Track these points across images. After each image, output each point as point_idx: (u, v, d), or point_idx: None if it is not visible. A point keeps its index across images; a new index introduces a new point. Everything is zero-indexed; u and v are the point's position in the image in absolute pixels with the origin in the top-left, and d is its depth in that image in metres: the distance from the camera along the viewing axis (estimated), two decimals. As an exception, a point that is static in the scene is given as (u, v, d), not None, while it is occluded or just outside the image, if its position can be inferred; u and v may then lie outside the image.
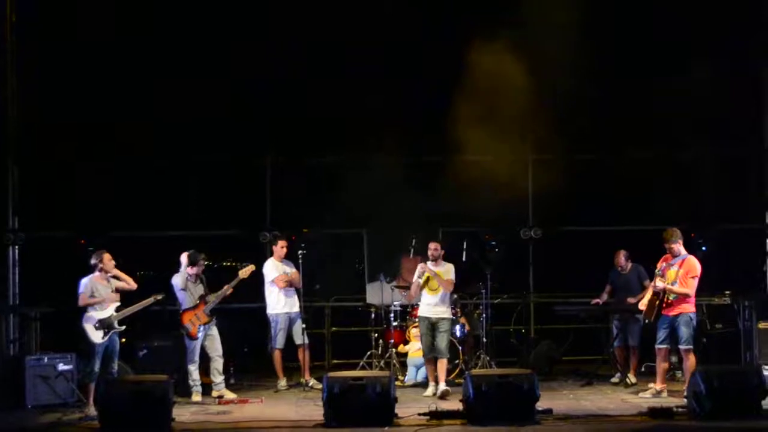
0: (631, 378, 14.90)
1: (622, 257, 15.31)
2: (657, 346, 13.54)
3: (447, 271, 14.34)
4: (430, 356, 14.26)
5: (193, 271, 14.15)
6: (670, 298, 13.31)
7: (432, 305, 14.29)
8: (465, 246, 16.15)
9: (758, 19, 17.12)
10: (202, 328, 14.01)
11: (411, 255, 16.89)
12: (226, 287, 14.20)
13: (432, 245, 14.40)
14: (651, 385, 13.78)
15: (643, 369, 15.58)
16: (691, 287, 13.29)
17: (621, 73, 16.53)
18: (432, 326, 14.20)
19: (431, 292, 14.31)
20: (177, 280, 14.11)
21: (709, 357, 14.61)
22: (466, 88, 16.03)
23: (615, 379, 15.09)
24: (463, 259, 16.17)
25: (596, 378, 15.19)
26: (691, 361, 13.24)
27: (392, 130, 16.60)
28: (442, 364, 14.22)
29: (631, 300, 15.05)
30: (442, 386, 13.96)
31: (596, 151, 17.56)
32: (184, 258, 14.19)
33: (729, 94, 16.43)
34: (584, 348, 16.72)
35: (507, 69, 16.14)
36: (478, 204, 17.07)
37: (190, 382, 14.04)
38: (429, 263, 14.35)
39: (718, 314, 15.25)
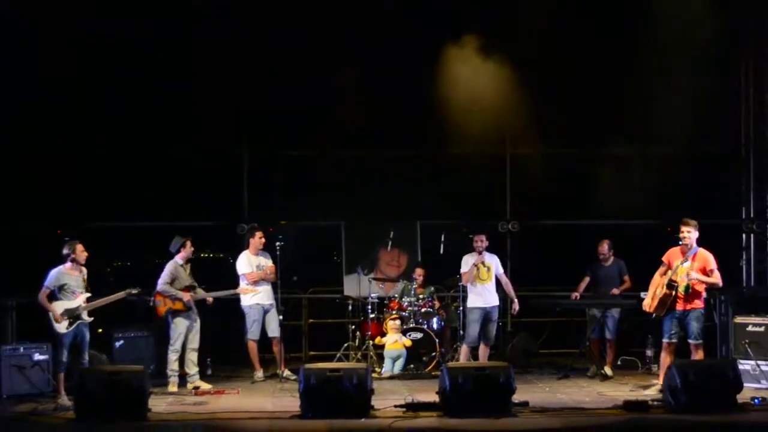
0: (608, 371, 14.95)
1: (606, 245, 15.32)
2: (666, 341, 13.33)
3: (497, 262, 14.83)
4: (471, 345, 14.66)
5: (183, 255, 14.25)
6: (683, 292, 13.19)
7: (484, 295, 14.63)
8: (443, 239, 16.15)
9: (737, 19, 17.21)
10: (185, 316, 14.01)
11: (388, 247, 16.96)
12: (216, 294, 14.46)
13: (477, 238, 14.69)
14: (655, 381, 13.70)
15: (619, 362, 15.65)
16: (718, 279, 13.16)
17: (599, 68, 16.53)
18: (485, 315, 14.59)
19: (482, 282, 14.63)
20: (166, 269, 14.18)
21: (686, 351, 14.64)
22: (445, 81, 16.04)
23: (590, 373, 15.13)
24: (441, 252, 16.19)
25: (572, 371, 15.21)
26: (699, 355, 13.15)
27: (370, 122, 16.61)
28: (487, 351, 14.72)
29: (615, 291, 15.15)
30: None
31: (574, 145, 17.62)
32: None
33: (707, 91, 16.47)
34: (561, 341, 16.78)
35: (485, 62, 16.18)
36: (456, 197, 17.13)
37: (168, 371, 14.03)
38: (475, 255, 14.69)
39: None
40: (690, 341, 13.23)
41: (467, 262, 14.69)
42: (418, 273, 15.98)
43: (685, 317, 13.19)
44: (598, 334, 15.19)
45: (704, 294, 13.32)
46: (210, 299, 14.36)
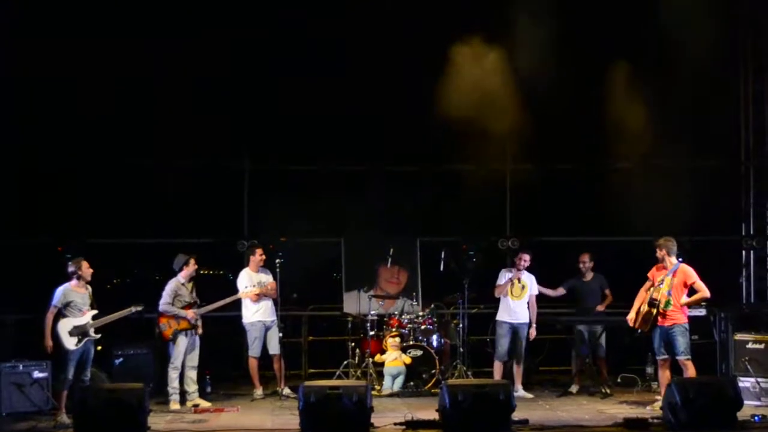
0: (606, 389, 14.94)
1: (587, 256, 15.47)
2: (657, 358, 13.47)
3: (532, 282, 15.07)
4: (502, 360, 14.93)
5: (185, 274, 14.23)
6: (664, 308, 13.22)
7: (513, 311, 14.91)
8: (443, 255, 16.13)
9: (736, 31, 17.24)
10: (184, 334, 14.01)
11: (388, 264, 16.92)
12: (219, 303, 14.48)
13: (521, 256, 15.04)
14: (657, 398, 13.61)
15: (619, 380, 15.62)
16: (704, 290, 13.19)
17: (597, 83, 16.55)
18: (514, 331, 14.86)
19: (514, 297, 14.92)
20: (168, 288, 14.16)
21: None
22: (445, 96, 16.04)
23: (573, 389, 15.21)
24: (441, 268, 16.17)
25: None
26: (690, 371, 13.13)
27: (370, 138, 16.62)
28: (519, 370, 14.97)
29: (600, 308, 15.19)
30: (522, 391, 14.79)
31: (574, 161, 17.64)
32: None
33: (707, 106, 16.49)
34: (560, 358, 16.74)
35: (485, 78, 16.19)
36: (456, 213, 17.13)
37: (169, 389, 14.01)
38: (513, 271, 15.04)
39: (694, 325, 15.22)
40: (678, 358, 13.27)
41: (504, 276, 14.97)
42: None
43: (670, 333, 13.25)
44: (586, 351, 15.22)
45: (687, 310, 13.38)
46: (200, 330, 14.33)
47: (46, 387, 13.83)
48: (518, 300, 14.92)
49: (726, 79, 17.44)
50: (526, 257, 14.99)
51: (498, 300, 15.13)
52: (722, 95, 17.30)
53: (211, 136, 16.52)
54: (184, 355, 14.08)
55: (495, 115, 16.04)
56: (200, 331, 14.27)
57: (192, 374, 14.15)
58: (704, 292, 13.23)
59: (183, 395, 14.11)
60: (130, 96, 16.19)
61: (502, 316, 14.97)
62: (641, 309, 13.41)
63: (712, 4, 16.07)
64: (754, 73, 17.64)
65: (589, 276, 15.46)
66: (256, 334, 14.74)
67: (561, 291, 15.57)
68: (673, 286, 13.22)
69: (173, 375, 14.03)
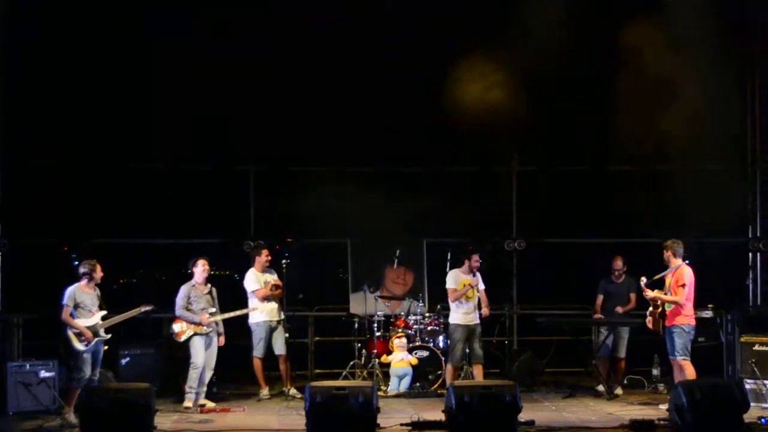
0: (618, 391, 14.92)
1: (620, 261, 15.35)
2: (671, 358, 13.50)
3: (479, 279, 14.73)
4: (457, 365, 14.58)
5: (198, 276, 14.24)
6: (666, 308, 13.33)
7: (469, 313, 14.53)
8: (449, 257, 16.13)
9: (744, 34, 17.23)
10: (201, 338, 14.01)
11: (395, 265, 16.93)
12: (235, 313, 14.52)
13: (477, 257, 14.59)
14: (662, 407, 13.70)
15: (626, 381, 15.59)
16: (679, 295, 13.25)
17: (606, 85, 16.53)
18: (469, 333, 14.49)
19: (469, 299, 14.58)
20: (180, 292, 14.18)
21: (697, 366, 14.61)
22: (452, 99, 16.05)
23: (600, 388, 15.13)
24: (447, 270, 16.16)
25: (579, 390, 15.21)
26: (686, 371, 13.18)
27: (377, 139, 16.62)
28: (480, 369, 14.53)
29: (619, 309, 15.14)
30: None
31: (580, 163, 17.62)
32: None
33: (713, 108, 16.46)
34: (567, 360, 16.73)
35: (492, 80, 16.19)
36: (463, 215, 17.12)
37: (187, 388, 14.01)
38: (463, 271, 14.64)
39: (700, 327, 15.20)
40: (670, 357, 13.38)
41: (455, 278, 14.66)
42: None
43: (670, 333, 13.34)
44: (607, 353, 15.18)
45: (688, 311, 13.41)
46: (222, 340, 14.33)
47: (52, 386, 13.86)
48: (473, 301, 14.60)
49: (733, 81, 17.38)
50: (477, 257, 14.64)
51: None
52: (729, 97, 17.26)
53: (218, 136, 16.57)
54: (203, 353, 14.09)
55: (501, 116, 16.03)
56: (222, 341, 14.30)
57: (205, 374, 14.15)
58: (678, 298, 13.27)
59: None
60: (137, 96, 16.20)
61: (458, 318, 14.60)
62: (652, 310, 13.50)
63: (718, 7, 16.06)
64: (761, 76, 17.60)
65: (621, 278, 15.39)
66: (261, 335, 14.74)
67: (600, 300, 15.53)
68: (671, 287, 13.34)
69: (193, 375, 14.01)
